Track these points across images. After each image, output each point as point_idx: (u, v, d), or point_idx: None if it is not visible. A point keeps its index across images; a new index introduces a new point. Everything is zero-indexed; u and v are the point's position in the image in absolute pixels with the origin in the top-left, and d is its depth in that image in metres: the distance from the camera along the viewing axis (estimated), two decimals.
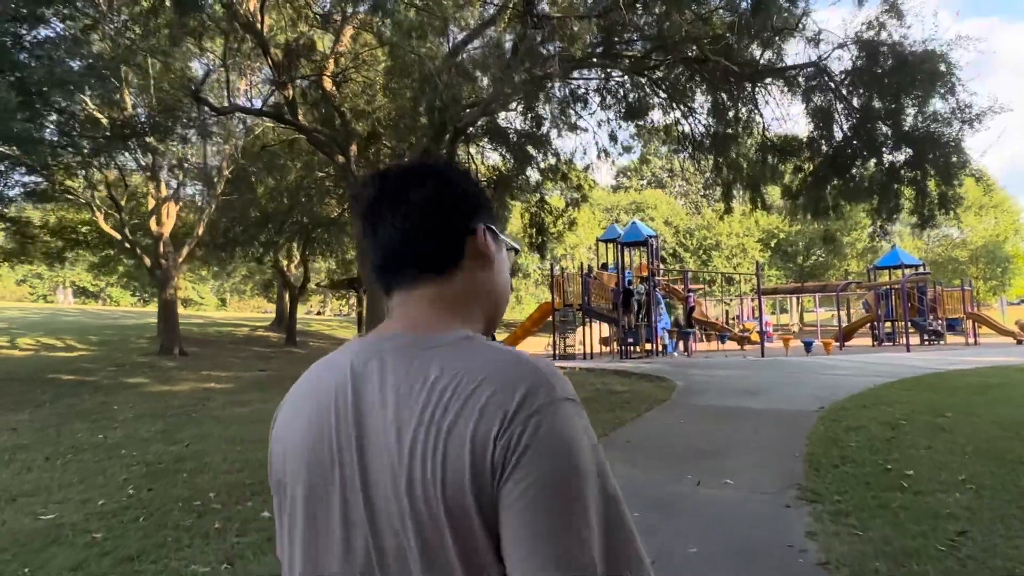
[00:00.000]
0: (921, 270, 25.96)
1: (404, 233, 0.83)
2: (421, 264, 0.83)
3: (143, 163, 16.50)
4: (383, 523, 0.72)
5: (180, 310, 51.63)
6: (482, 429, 0.68)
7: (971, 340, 23.99)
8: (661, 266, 36.13)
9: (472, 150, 18.44)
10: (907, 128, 9.40)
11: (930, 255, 41.97)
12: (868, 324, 25.72)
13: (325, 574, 0.75)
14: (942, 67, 9.02)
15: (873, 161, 10.29)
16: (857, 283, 30.04)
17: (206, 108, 11.87)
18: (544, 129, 18.54)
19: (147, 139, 12.28)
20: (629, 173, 64.12)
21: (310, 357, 21.32)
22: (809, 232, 43.36)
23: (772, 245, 46.89)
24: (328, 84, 12.88)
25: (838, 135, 10.59)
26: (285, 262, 27.16)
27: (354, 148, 14.65)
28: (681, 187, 64.90)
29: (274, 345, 25.01)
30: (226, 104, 12.48)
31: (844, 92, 9.91)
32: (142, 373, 14.89)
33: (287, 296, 27.25)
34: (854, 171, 10.82)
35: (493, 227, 0.89)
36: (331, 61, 12.67)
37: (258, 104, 15.77)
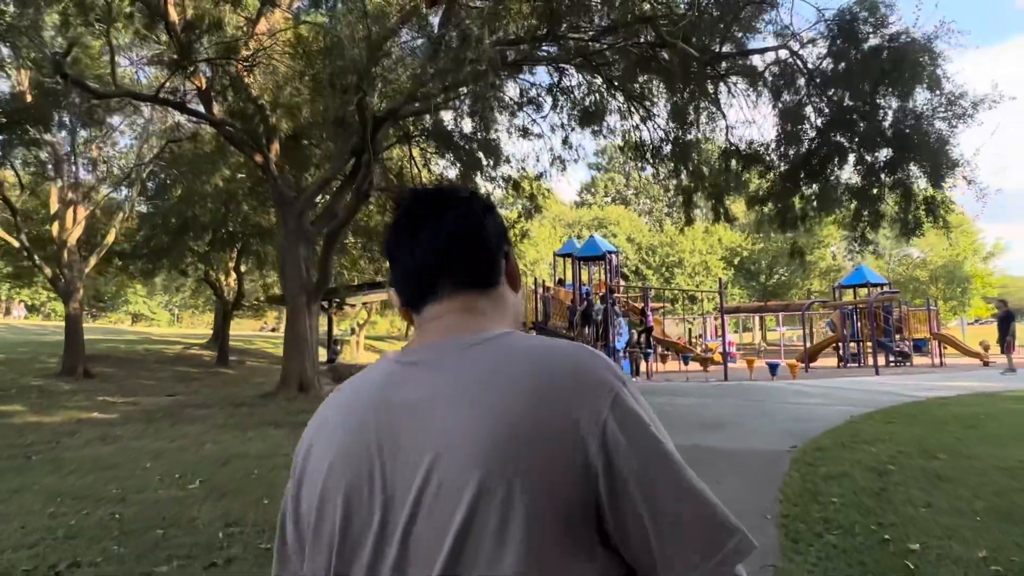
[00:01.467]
0: (887, 289, 25.21)
1: (444, 248, 0.85)
2: (461, 281, 0.85)
3: (32, 158, 14.65)
4: (427, 532, 0.70)
5: (126, 326, 48.37)
6: (569, 418, 0.69)
7: (937, 361, 23.23)
8: (622, 283, 35.02)
9: (415, 152, 16.96)
10: (889, 122, 8.28)
11: (891, 275, 41.75)
12: (833, 345, 24.84)
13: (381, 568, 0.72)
14: (925, 57, 7.92)
15: (852, 160, 9.15)
16: (822, 302, 29.31)
17: (85, 92, 10.20)
18: (493, 133, 17.24)
19: (27, 127, 10.57)
20: (593, 189, 63.45)
21: (238, 378, 19.45)
22: (773, 249, 42.87)
23: (735, 263, 46.32)
24: (241, 70, 11.31)
25: (811, 134, 9.42)
26: (222, 276, 25.24)
27: (276, 147, 13.05)
28: (645, 204, 64.44)
29: (204, 365, 23.02)
30: (114, 87, 10.80)
31: (817, 80, 8.74)
32: (24, 399, 12.95)
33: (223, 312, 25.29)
34: (828, 174, 9.65)
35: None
36: (245, 44, 11.11)
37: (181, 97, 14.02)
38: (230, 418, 10.34)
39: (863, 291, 26.36)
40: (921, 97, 8.04)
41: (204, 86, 12.45)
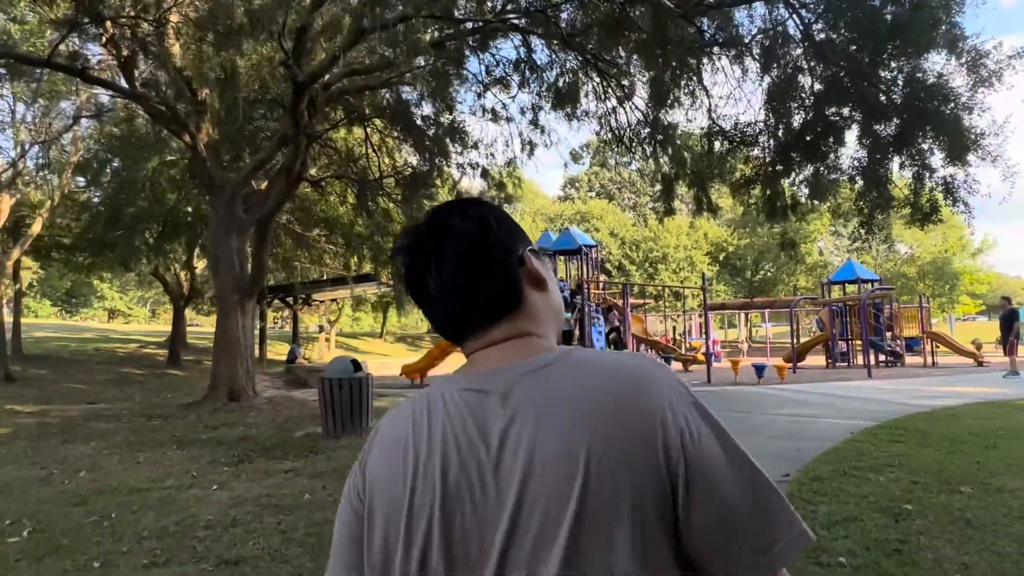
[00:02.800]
0: (880, 286, 24.11)
1: (459, 292, 0.84)
2: (491, 314, 0.84)
3: None
4: (531, 538, 0.71)
5: (96, 323, 46.01)
6: (642, 440, 0.71)
7: (930, 361, 22.17)
8: (603, 278, 33.72)
9: (374, 136, 15.51)
10: (899, 87, 7.01)
11: (878, 271, 40.79)
12: (822, 343, 23.70)
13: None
14: (941, 13, 6.64)
15: (855, 134, 7.87)
16: (810, 298, 28.18)
17: None
18: (457, 115, 15.90)
19: None
20: (577, 184, 62.12)
21: (180, 382, 17.88)
22: (759, 244, 41.82)
23: (721, 259, 45.22)
24: (151, 30, 9.80)
25: (805, 103, 8.09)
26: (176, 270, 23.66)
27: (207, 126, 11.58)
28: (629, 199, 63.16)
29: (153, 366, 21.46)
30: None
31: (815, 37, 7.42)
32: None
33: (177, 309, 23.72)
34: (825, 152, 8.34)
35: (532, 248, 0.90)
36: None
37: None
38: (133, 434, 8.92)
39: (852, 287, 25.25)
40: (937, 57, 6.82)
41: (124, 55, 10.96)
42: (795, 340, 21.74)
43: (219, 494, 5.88)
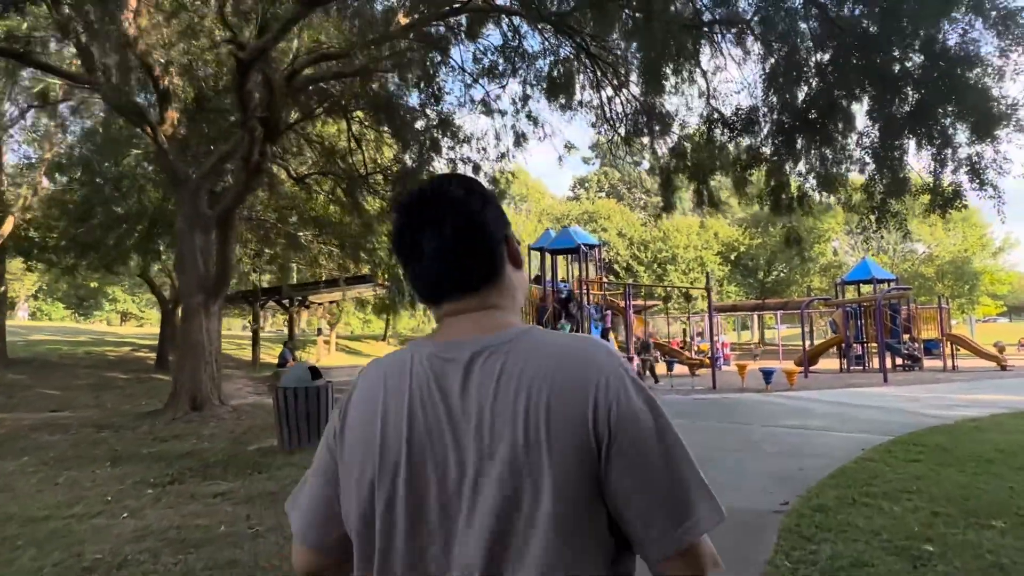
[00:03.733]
0: (896, 286, 23.04)
1: (449, 257, 0.91)
2: (470, 283, 0.92)
3: None
4: (484, 493, 0.81)
5: (111, 327, 45.19)
6: (575, 406, 0.80)
7: (949, 364, 21.07)
8: (607, 278, 32.84)
9: (356, 128, 14.75)
10: (916, 54, 6.10)
11: (894, 271, 39.51)
12: (836, 346, 22.67)
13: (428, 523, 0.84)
14: None
15: (865, 108, 6.95)
16: (823, 299, 27.13)
17: None
18: (445, 106, 15.15)
19: None
20: (586, 184, 61.19)
21: (159, 388, 17.15)
22: (772, 244, 40.71)
23: (732, 259, 44.10)
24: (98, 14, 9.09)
25: (809, 75, 7.16)
26: (167, 272, 23.03)
27: (172, 115, 10.86)
28: (640, 199, 62.14)
29: (141, 370, 20.82)
30: None
31: (821, 2, 6.51)
32: None
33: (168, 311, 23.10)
34: (832, 131, 7.42)
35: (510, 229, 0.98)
36: None
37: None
38: (72, 448, 8.19)
39: (867, 288, 24.18)
40: (960, 19, 5.88)
41: (81, 39, 10.27)
42: (806, 343, 20.73)
43: (125, 524, 5.10)
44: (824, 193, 10.20)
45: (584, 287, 17.73)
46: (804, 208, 10.13)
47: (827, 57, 6.48)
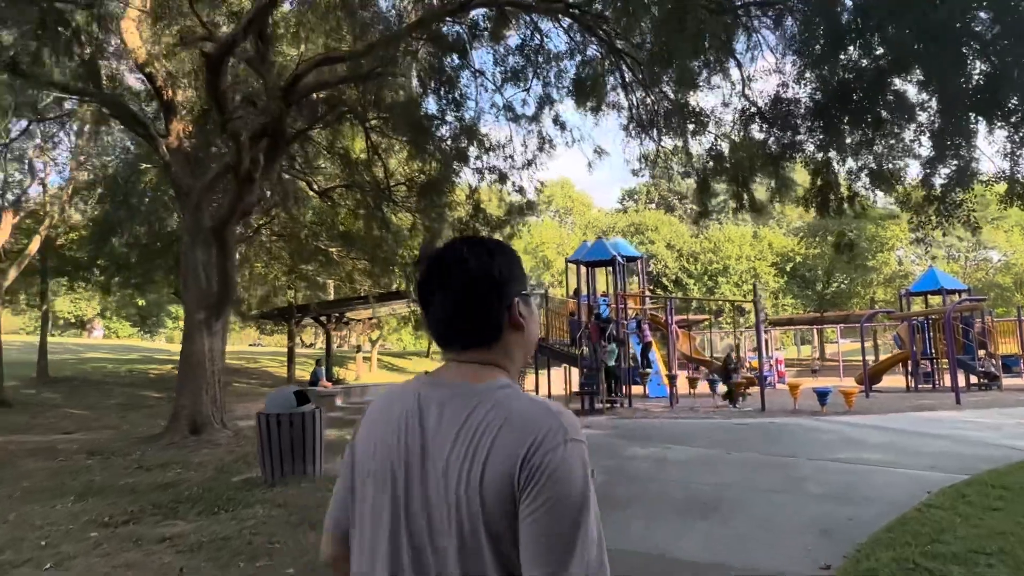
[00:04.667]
0: (969, 296, 21.12)
1: (450, 315, 1.08)
2: (467, 342, 1.08)
3: None
4: (434, 515, 0.97)
5: (168, 344, 46.01)
6: (510, 458, 0.93)
7: None
8: (653, 291, 31.52)
9: (373, 138, 14.20)
10: (985, 11, 5.00)
11: (967, 280, 36.78)
12: (902, 363, 20.85)
13: (380, 549, 1.02)
14: None
15: (918, 79, 5.81)
16: (886, 312, 25.21)
17: None
18: (467, 112, 14.49)
19: None
20: (636, 196, 59.76)
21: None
22: (830, 254, 38.59)
23: (787, 270, 42.00)
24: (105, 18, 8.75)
25: (850, 45, 6.08)
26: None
27: (177, 125, 10.48)
28: (692, 211, 60.33)
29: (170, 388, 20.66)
30: None
31: None
32: None
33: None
34: (882, 113, 6.30)
35: (524, 290, 1.11)
36: None
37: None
38: (51, 478, 7.71)
39: (936, 299, 22.27)
40: None
41: (88, 52, 10.02)
42: (867, 359, 19.07)
43: None
44: (878, 191, 9.02)
45: (622, 301, 16.69)
46: (855, 209, 8.96)
47: (872, 22, 5.43)
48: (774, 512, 5.65)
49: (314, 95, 11.44)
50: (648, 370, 16.76)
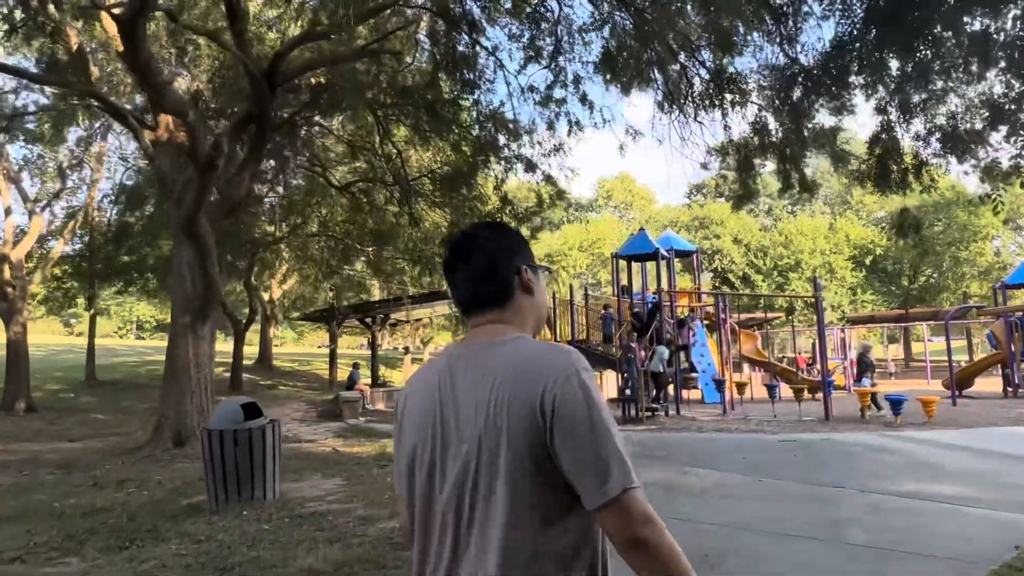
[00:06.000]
0: None
1: (472, 284, 1.29)
2: (486, 304, 1.28)
3: None
4: (470, 446, 1.13)
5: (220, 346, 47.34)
6: (531, 393, 1.09)
7: None
8: (714, 287, 29.53)
9: (389, 125, 13.30)
10: None
11: None
12: (998, 364, 18.31)
13: (434, 490, 1.19)
14: None
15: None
16: (979, 307, 22.46)
17: None
18: (487, 96, 13.47)
19: None
20: (704, 190, 57.17)
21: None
22: (914, 245, 35.39)
23: (867, 263, 38.81)
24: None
25: None
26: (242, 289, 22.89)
27: (165, 119, 9.86)
28: (764, 203, 57.07)
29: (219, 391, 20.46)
30: None
31: None
32: None
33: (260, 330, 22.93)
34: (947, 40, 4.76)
35: (531, 263, 1.33)
36: None
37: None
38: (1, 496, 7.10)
39: None
40: None
41: (75, 45, 9.55)
42: (956, 362, 16.77)
43: None
44: (951, 156, 7.40)
45: (670, 298, 15.21)
46: (923, 181, 7.35)
47: None
48: (795, 571, 4.27)
49: (311, 79, 10.62)
50: (693, 374, 15.13)
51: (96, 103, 9.95)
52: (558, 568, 1.09)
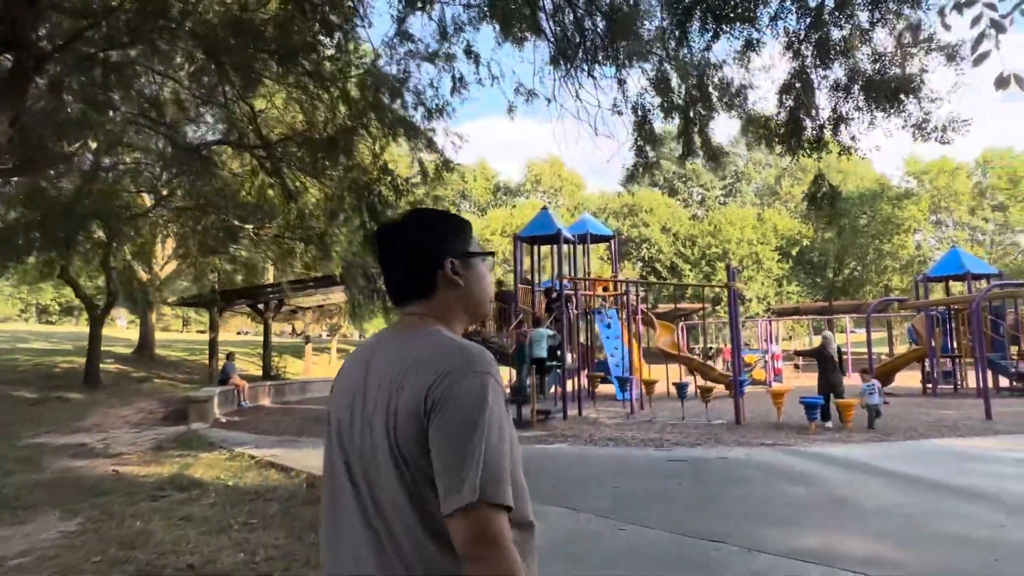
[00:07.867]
0: (1002, 281, 17.77)
1: (395, 277, 1.31)
2: (410, 296, 1.29)
3: None
4: (370, 430, 1.15)
5: (163, 334, 43.18)
6: (420, 390, 1.09)
7: None
8: (642, 275, 28.45)
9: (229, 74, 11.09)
10: None
11: (996, 265, 33.14)
12: (917, 360, 17.51)
13: (339, 465, 1.21)
14: None
15: None
16: (899, 300, 21.86)
17: None
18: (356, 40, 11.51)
19: None
20: (639, 181, 56.30)
21: (46, 415, 14.00)
22: (840, 239, 35.13)
23: (794, 254, 38.51)
24: None
25: None
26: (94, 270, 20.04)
27: None
28: (697, 193, 56.61)
29: (65, 387, 17.69)
30: None
31: None
32: None
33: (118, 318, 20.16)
34: None
35: (466, 252, 1.32)
36: None
37: None
38: None
39: (959, 286, 18.91)
40: None
41: None
42: (876, 356, 15.79)
43: None
44: (880, 112, 5.89)
45: (569, 284, 13.58)
46: (841, 140, 5.79)
47: None
48: None
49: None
50: (554, 363, 13.24)
51: None
52: (443, 551, 1.08)
